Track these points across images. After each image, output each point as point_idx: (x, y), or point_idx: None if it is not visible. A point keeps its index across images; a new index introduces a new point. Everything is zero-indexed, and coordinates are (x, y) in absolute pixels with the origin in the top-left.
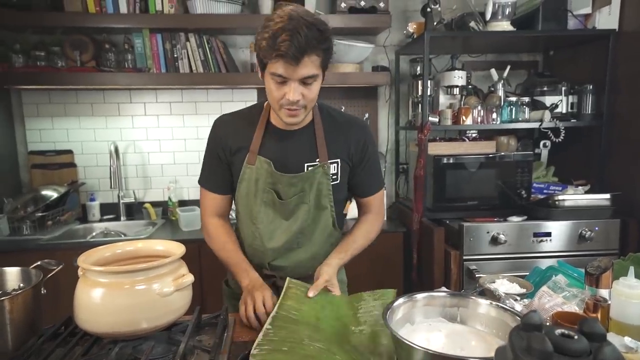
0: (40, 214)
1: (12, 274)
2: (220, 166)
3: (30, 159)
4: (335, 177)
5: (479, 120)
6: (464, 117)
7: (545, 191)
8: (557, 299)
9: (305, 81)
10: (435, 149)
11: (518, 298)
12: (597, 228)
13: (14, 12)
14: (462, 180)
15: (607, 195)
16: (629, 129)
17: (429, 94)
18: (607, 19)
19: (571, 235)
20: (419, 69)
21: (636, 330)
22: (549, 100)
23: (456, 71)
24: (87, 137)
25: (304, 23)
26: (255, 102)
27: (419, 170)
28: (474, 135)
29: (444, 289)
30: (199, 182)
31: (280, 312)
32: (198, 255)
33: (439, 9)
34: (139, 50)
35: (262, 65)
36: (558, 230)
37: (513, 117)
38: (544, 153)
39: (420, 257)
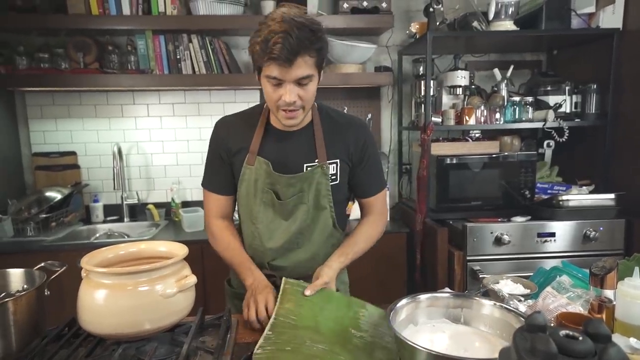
0: (44, 216)
1: (16, 275)
2: (223, 167)
3: (34, 160)
4: (334, 177)
5: (482, 121)
6: (467, 117)
7: (549, 191)
8: (562, 300)
9: (300, 82)
10: (438, 149)
11: (522, 299)
12: (601, 228)
13: (18, 15)
14: (465, 180)
15: (612, 195)
16: (633, 128)
17: (431, 94)
18: (611, 18)
19: (575, 235)
20: (421, 69)
21: None
22: (552, 100)
23: (459, 71)
24: (91, 138)
25: (295, 24)
26: (258, 103)
27: (422, 171)
28: (477, 135)
29: (447, 289)
30: (202, 184)
31: (279, 318)
32: (201, 256)
33: (442, 8)
34: (141, 52)
35: (257, 69)
36: (562, 231)
37: (516, 117)
38: (548, 153)
39: (423, 258)
